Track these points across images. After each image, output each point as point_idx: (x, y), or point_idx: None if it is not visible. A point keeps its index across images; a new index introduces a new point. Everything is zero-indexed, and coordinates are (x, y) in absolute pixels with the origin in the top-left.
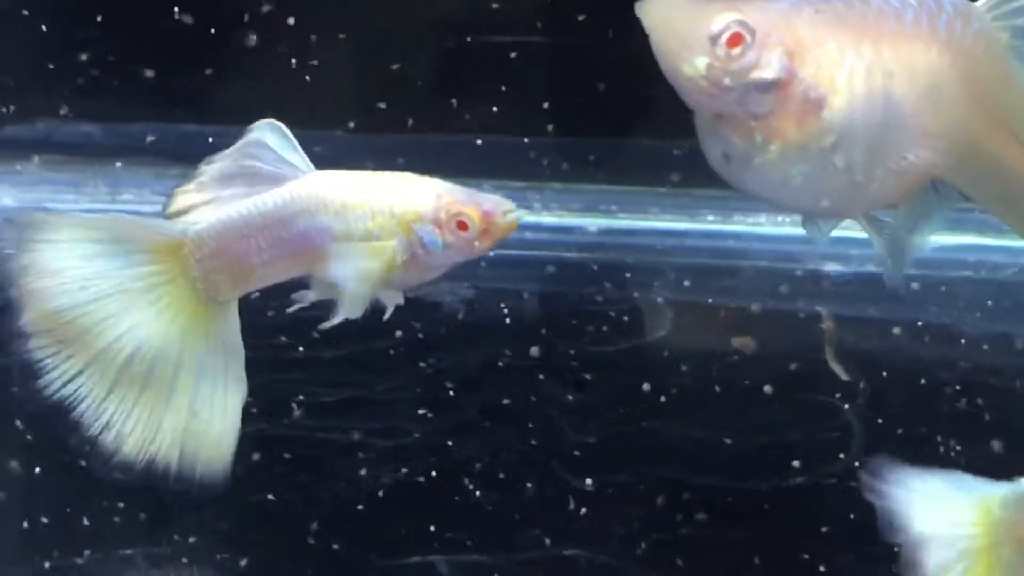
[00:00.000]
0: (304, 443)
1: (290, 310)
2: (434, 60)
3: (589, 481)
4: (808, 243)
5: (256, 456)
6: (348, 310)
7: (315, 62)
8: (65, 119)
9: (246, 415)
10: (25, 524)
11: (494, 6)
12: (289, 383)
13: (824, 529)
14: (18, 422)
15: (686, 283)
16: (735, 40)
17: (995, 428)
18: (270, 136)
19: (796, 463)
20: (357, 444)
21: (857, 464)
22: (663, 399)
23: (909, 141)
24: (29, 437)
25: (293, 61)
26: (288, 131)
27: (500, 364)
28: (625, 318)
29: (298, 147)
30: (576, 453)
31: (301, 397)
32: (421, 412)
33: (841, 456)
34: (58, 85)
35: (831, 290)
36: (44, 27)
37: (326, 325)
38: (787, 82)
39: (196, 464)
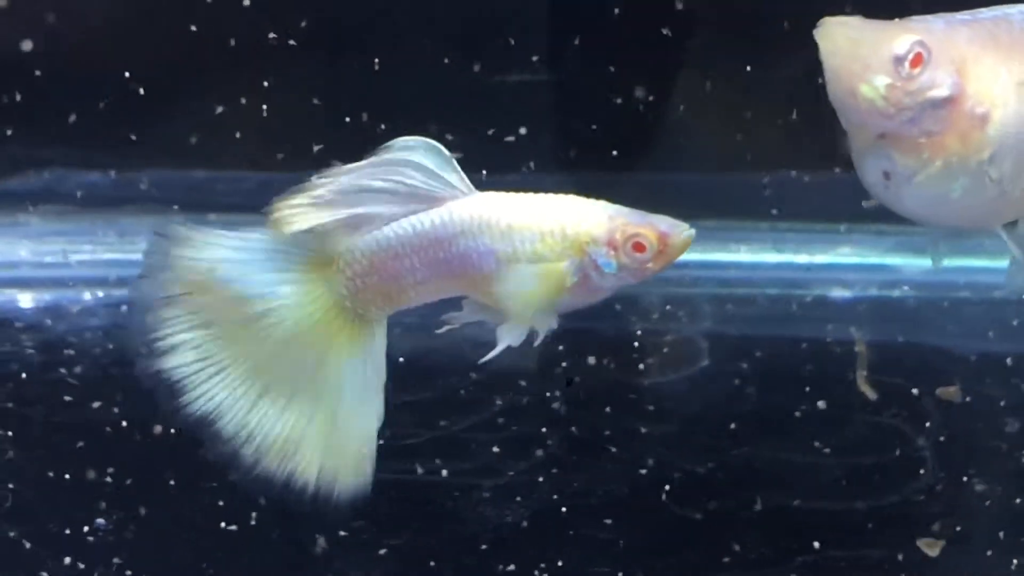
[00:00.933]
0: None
1: (440, 331)
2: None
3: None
4: (809, 271)
5: None
6: (511, 335)
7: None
8: (63, 169)
9: None
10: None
11: None
12: None
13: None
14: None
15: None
16: (917, 60)
17: None
18: (425, 154)
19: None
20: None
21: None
22: (734, 426)
23: None
24: (177, 452)
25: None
26: (446, 151)
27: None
28: (668, 349)
29: (458, 167)
30: (680, 481)
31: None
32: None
33: (920, 473)
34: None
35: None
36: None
37: (488, 356)
38: (957, 99)
39: (335, 482)
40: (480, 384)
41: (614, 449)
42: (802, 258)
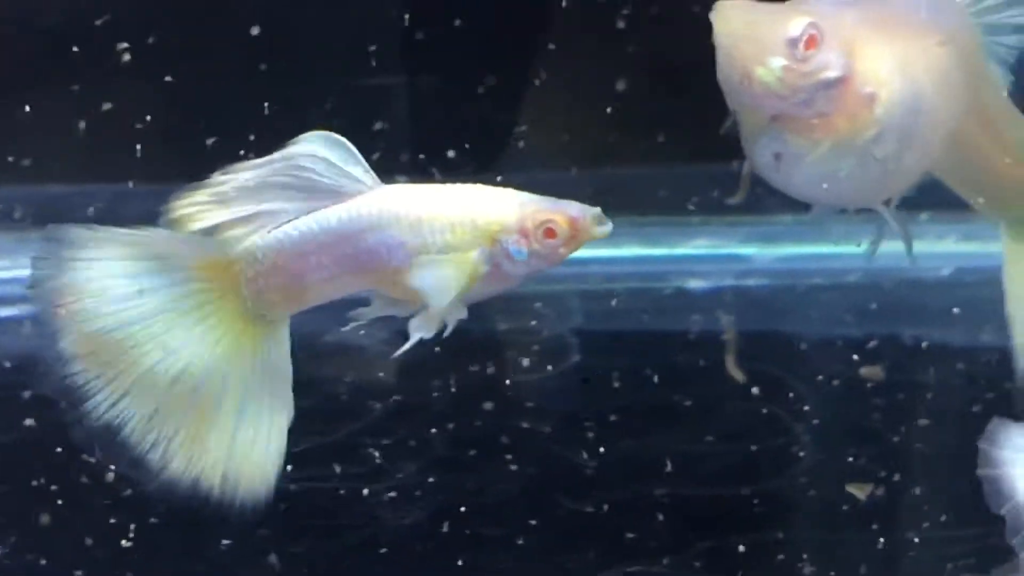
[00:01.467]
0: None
1: (345, 329)
2: None
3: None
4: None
5: None
6: (424, 328)
7: None
8: None
9: None
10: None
11: None
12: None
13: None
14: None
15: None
16: (811, 42)
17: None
18: (328, 148)
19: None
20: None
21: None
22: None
23: (929, 131)
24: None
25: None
26: (350, 144)
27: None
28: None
29: (362, 160)
30: (569, 476)
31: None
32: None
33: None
34: None
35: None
36: None
37: (402, 349)
38: (847, 80)
39: (238, 486)
40: (359, 388)
41: (502, 447)
42: (659, 251)
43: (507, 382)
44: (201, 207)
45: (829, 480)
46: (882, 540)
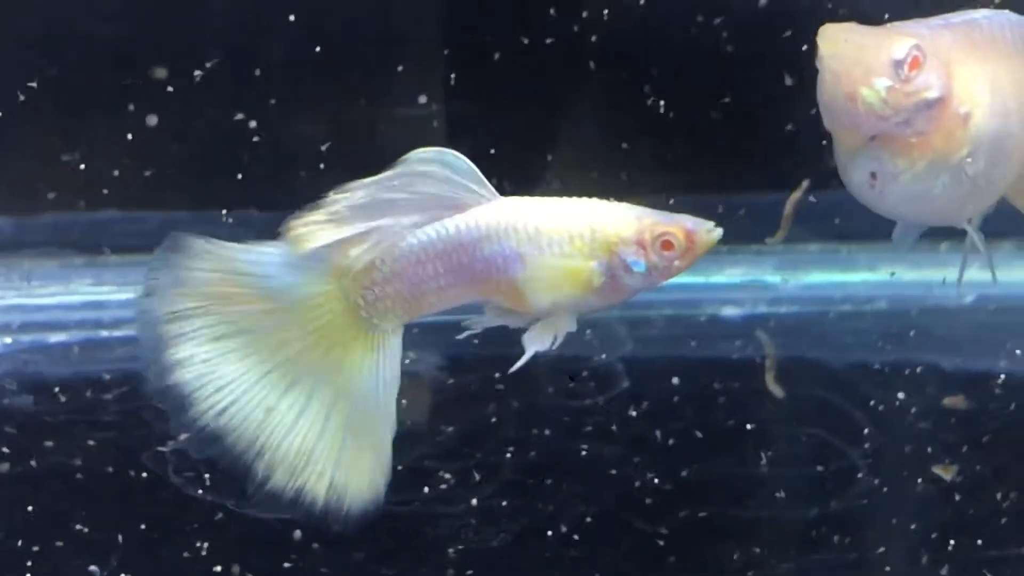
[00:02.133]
0: None
1: (460, 337)
2: None
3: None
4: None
5: None
6: (538, 341)
7: None
8: None
9: None
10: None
11: None
12: None
13: None
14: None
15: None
16: (914, 63)
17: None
18: (444, 163)
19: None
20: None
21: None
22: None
23: (1014, 149)
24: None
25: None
26: (466, 159)
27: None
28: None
29: (479, 174)
30: (636, 498)
31: None
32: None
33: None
34: None
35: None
36: None
37: (518, 364)
38: (945, 100)
39: (345, 497)
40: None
41: (566, 472)
42: (696, 279)
43: (564, 407)
44: (316, 226)
45: (892, 499)
46: (951, 557)
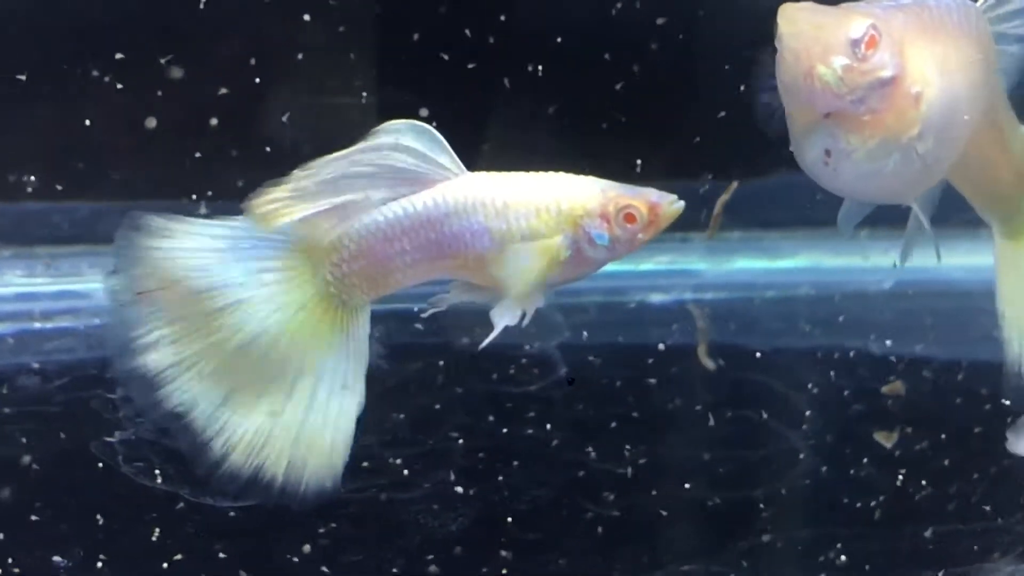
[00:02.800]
0: None
1: (425, 315)
2: None
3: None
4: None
5: None
6: (507, 316)
7: None
8: None
9: None
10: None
11: None
12: None
13: None
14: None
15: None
16: (871, 43)
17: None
18: (414, 137)
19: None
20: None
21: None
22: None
23: (960, 128)
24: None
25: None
26: (436, 132)
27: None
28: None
29: (448, 148)
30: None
31: None
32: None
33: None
34: None
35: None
36: None
37: (487, 340)
38: (898, 79)
39: (304, 475)
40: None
41: (515, 456)
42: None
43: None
44: (282, 203)
45: (830, 481)
46: (892, 536)
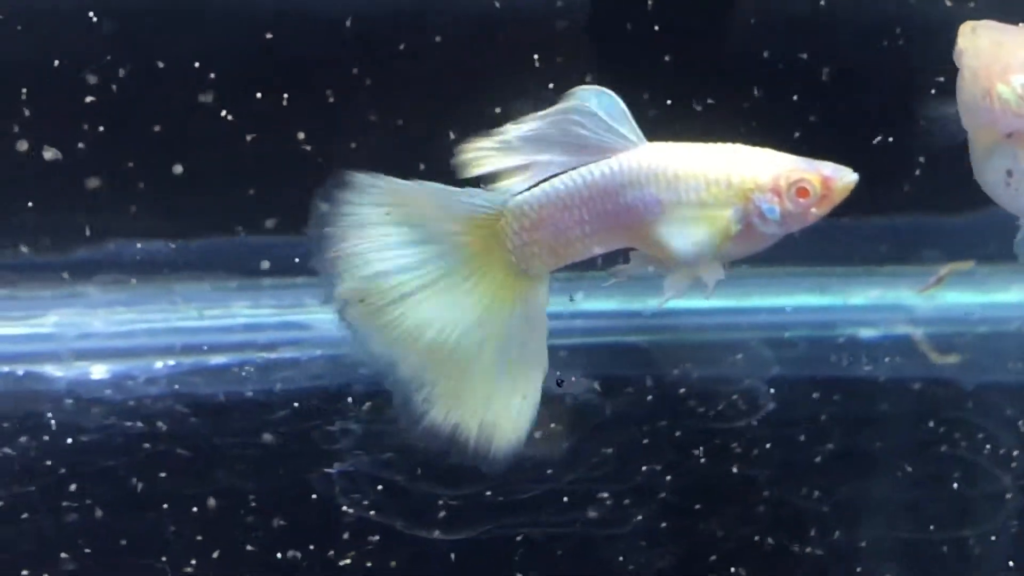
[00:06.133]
0: None
1: (606, 285)
2: None
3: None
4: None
5: None
6: (675, 287)
7: None
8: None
9: None
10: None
11: None
12: None
13: None
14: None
15: (738, 357)
16: None
17: None
18: (599, 103)
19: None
20: None
21: None
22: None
23: None
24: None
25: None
26: (620, 100)
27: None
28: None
29: (630, 117)
30: (786, 517)
31: None
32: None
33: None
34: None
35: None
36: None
37: (658, 304)
38: None
39: (493, 437)
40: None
41: (721, 493)
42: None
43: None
44: (485, 153)
45: None
46: None
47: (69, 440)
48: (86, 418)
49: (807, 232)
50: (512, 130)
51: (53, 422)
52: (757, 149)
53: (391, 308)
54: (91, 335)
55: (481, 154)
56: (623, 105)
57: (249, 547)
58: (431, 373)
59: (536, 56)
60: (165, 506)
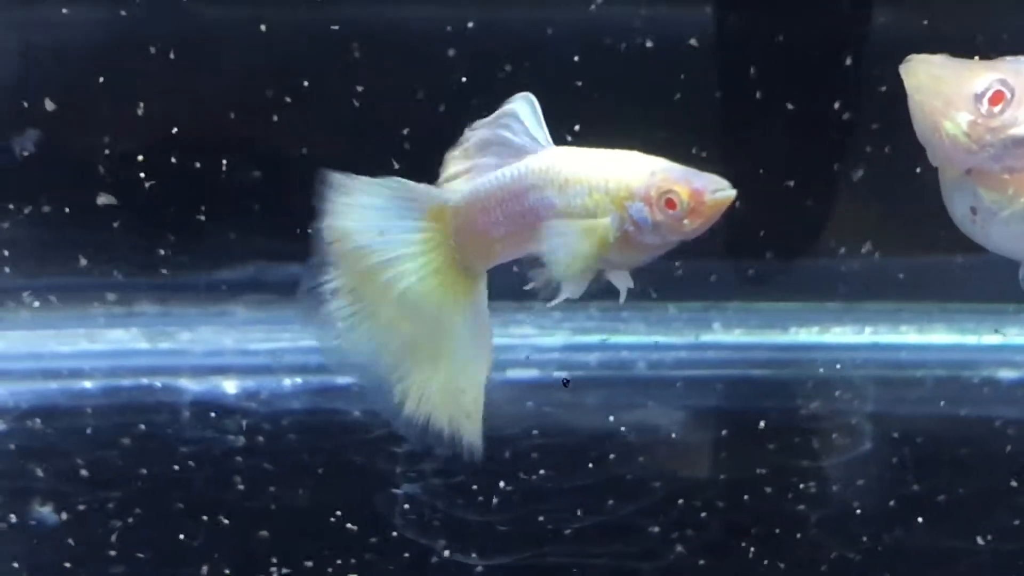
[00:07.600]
0: None
1: (527, 287)
2: None
3: None
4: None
5: None
6: (569, 289)
7: None
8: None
9: None
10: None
11: None
12: None
13: None
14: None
15: (863, 395)
16: (997, 98)
17: None
18: (523, 109)
19: None
20: None
21: None
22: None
23: None
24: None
25: None
26: (538, 105)
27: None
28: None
29: (543, 122)
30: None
31: None
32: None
33: None
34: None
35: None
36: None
37: (552, 303)
38: None
39: (456, 432)
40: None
41: (776, 531)
42: (970, 339)
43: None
44: (454, 161)
45: None
46: None
47: (195, 450)
48: (213, 429)
49: None
50: (470, 136)
51: (179, 433)
52: (643, 156)
53: (375, 299)
54: (223, 352)
55: (451, 158)
56: (538, 109)
57: (308, 562)
58: (403, 369)
59: None
60: (293, 519)
